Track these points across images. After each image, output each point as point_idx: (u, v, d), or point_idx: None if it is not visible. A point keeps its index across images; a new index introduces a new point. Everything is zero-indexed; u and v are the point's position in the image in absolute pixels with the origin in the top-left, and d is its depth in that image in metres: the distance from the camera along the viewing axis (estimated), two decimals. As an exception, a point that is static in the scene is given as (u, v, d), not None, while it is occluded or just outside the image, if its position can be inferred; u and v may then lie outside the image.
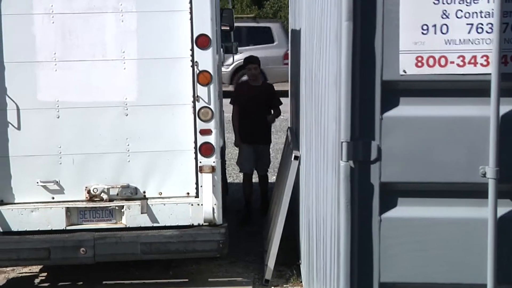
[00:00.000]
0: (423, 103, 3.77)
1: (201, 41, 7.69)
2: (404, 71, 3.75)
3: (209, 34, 7.69)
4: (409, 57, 3.73)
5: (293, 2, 11.12)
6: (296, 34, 9.40)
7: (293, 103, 10.00)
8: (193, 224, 7.84)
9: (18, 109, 7.68)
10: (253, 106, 10.17)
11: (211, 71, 7.73)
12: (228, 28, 10.97)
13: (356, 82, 3.77)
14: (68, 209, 7.77)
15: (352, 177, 3.80)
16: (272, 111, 10.40)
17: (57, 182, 7.76)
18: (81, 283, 8.18)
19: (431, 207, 3.81)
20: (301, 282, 7.97)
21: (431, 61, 3.72)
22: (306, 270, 6.99)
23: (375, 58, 3.75)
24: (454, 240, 3.79)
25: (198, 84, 7.72)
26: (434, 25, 3.71)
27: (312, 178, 5.93)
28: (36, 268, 8.58)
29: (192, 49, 7.69)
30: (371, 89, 3.77)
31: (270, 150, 10.80)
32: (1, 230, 7.69)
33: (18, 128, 7.70)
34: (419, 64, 3.74)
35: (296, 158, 7.92)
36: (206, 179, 7.78)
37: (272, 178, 13.39)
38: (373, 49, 3.74)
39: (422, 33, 3.72)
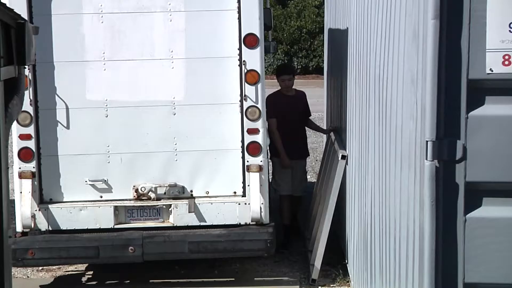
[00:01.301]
0: (509, 102, 3.74)
1: (249, 40, 7.71)
2: (491, 70, 3.72)
3: (257, 34, 7.72)
4: (496, 56, 3.70)
5: (332, 1, 11.09)
6: (339, 33, 9.38)
7: (334, 102, 9.96)
8: (240, 223, 7.86)
9: (67, 108, 7.71)
10: (291, 118, 9.25)
11: (259, 70, 7.75)
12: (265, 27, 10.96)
13: (441, 80, 3.74)
14: (116, 208, 7.81)
15: (436, 176, 3.78)
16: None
17: (105, 180, 7.79)
18: (128, 281, 8.19)
19: (517, 206, 3.78)
20: (348, 282, 7.95)
21: (518, 60, 3.70)
22: (358, 270, 6.96)
23: (461, 57, 3.72)
24: (540, 241, 3.75)
25: (246, 83, 7.73)
26: (522, 24, 3.69)
27: (371, 177, 5.91)
28: (82, 267, 8.61)
29: (240, 48, 7.71)
30: (457, 88, 3.74)
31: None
32: (51, 229, 7.73)
33: (67, 127, 7.73)
34: (506, 62, 3.71)
35: (343, 157, 7.90)
36: (254, 178, 7.79)
37: (310, 178, 13.39)
38: (459, 48, 3.71)
39: (510, 31, 3.69)
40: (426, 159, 3.80)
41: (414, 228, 4.13)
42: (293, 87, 9.54)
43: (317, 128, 10.03)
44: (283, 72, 9.60)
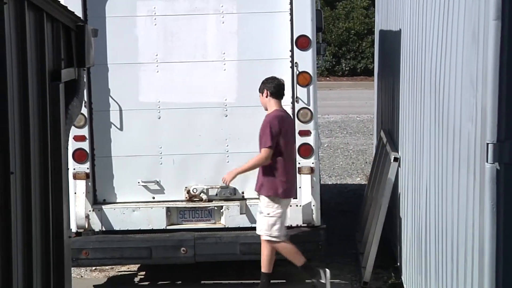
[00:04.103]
0: None
1: (301, 42, 7.70)
2: (554, 71, 3.66)
3: (309, 35, 7.71)
4: (559, 57, 3.65)
5: (383, 3, 11.02)
6: (391, 34, 9.33)
7: (385, 104, 9.89)
8: (291, 225, 7.85)
9: (120, 110, 7.79)
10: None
11: (311, 72, 7.74)
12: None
13: (502, 82, 3.70)
14: (168, 209, 7.86)
15: (497, 179, 3.73)
16: None
17: (158, 182, 7.85)
18: (180, 282, 8.24)
19: None
20: (400, 285, 7.89)
21: None
22: (411, 273, 6.90)
23: (522, 58, 3.68)
24: None
25: (297, 85, 7.72)
26: None
27: (426, 180, 5.86)
28: (134, 267, 8.68)
29: (292, 50, 7.71)
30: (519, 90, 3.70)
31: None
32: (104, 229, 7.80)
33: (121, 128, 7.81)
34: None
35: (396, 159, 7.85)
36: (305, 180, 7.78)
37: (356, 180, 13.36)
38: (521, 49, 3.67)
39: None
40: (487, 161, 3.76)
41: (473, 231, 4.08)
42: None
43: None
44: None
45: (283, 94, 7.55)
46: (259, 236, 7.72)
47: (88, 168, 7.75)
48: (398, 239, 7.98)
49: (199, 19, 7.73)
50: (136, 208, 7.83)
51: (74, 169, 7.70)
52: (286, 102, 7.77)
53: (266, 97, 7.50)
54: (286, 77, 7.74)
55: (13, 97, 3.53)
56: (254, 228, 7.81)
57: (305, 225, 7.81)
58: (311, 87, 7.75)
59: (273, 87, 7.47)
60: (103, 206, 7.81)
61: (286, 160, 7.51)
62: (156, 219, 7.82)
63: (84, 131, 7.72)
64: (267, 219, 7.49)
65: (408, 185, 7.13)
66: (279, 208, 7.48)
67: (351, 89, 26.92)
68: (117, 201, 7.86)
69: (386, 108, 9.81)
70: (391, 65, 8.93)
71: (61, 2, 4.24)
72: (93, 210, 7.78)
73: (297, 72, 7.70)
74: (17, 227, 3.63)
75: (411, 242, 6.88)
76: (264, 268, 7.55)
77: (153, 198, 7.87)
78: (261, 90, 7.54)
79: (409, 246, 7.09)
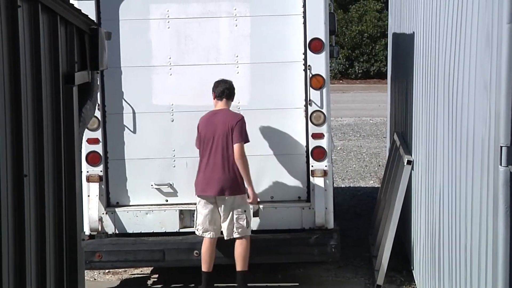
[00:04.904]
0: None
1: (314, 45, 7.69)
2: None
3: (323, 38, 7.71)
4: None
5: (396, 6, 11.01)
6: (404, 37, 9.31)
7: (398, 107, 9.88)
8: (304, 228, 7.85)
9: (133, 113, 7.80)
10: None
11: (324, 75, 7.73)
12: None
13: (516, 85, 3.69)
14: (181, 212, 7.87)
15: (511, 182, 3.72)
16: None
17: (171, 185, 7.86)
18: (193, 285, 8.24)
19: None
20: (413, 288, 7.88)
21: None
22: (425, 276, 6.88)
23: (536, 61, 3.66)
24: None
25: (310, 88, 7.72)
26: None
27: (439, 183, 5.84)
28: (147, 270, 8.69)
29: (305, 53, 7.70)
30: (532, 93, 3.68)
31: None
32: (117, 232, 7.82)
33: (134, 131, 7.82)
34: None
35: (409, 162, 7.83)
36: (318, 183, 7.78)
37: (370, 183, 13.34)
38: (534, 52, 3.65)
39: None
40: (500, 164, 3.75)
41: (486, 235, 4.06)
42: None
43: None
44: None
45: (228, 96, 7.57)
46: (271, 239, 7.75)
47: (101, 171, 7.77)
48: (411, 242, 7.96)
49: (212, 22, 7.74)
50: (149, 211, 7.84)
51: (87, 171, 7.72)
52: (299, 105, 7.78)
53: (214, 98, 7.60)
54: (299, 80, 7.75)
55: (27, 100, 3.55)
56: (267, 231, 7.83)
57: (317, 228, 7.80)
58: (324, 90, 7.74)
59: (217, 90, 7.59)
60: (116, 209, 7.83)
61: (201, 159, 7.57)
62: (169, 222, 7.83)
63: (98, 134, 7.74)
64: None
65: (422, 188, 7.11)
66: (197, 204, 7.57)
67: (364, 92, 26.89)
68: (130, 203, 7.88)
69: (399, 111, 9.79)
70: (404, 68, 8.91)
71: (74, 5, 4.25)
72: (106, 213, 7.81)
73: (310, 75, 7.69)
74: (31, 229, 3.65)
75: (425, 245, 6.86)
76: (203, 267, 7.56)
77: (166, 200, 7.89)
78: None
79: (422, 249, 7.07)
